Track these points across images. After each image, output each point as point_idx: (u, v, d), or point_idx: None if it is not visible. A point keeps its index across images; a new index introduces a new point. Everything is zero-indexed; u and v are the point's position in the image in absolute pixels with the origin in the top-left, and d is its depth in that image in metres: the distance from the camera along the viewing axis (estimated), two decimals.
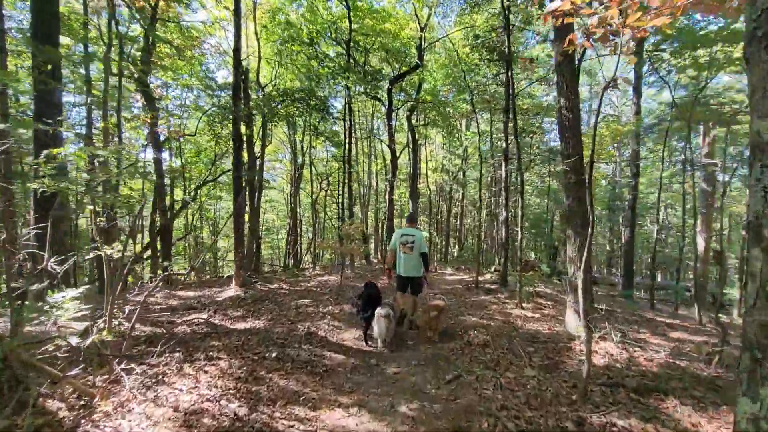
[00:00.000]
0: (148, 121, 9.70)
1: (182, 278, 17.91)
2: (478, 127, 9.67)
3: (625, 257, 12.05)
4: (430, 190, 21.75)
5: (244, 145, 9.43)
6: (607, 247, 22.29)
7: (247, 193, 10.96)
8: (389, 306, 4.86)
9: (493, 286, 10.13)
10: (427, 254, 5.46)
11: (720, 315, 13.66)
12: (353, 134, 19.50)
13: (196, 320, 5.89)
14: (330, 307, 6.70)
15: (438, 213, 23.81)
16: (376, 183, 23.97)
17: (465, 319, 6.26)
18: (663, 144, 10.23)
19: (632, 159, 11.80)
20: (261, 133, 14.72)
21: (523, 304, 6.91)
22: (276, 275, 11.77)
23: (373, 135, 18.17)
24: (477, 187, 22.06)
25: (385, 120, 13.92)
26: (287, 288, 9.01)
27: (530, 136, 16.25)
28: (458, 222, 23.71)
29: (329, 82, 10.91)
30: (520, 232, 6.92)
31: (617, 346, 4.62)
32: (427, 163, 22.53)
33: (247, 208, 11.82)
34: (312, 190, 21.18)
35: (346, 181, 12.77)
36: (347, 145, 12.56)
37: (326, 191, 21.69)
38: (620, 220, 15.39)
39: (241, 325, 5.63)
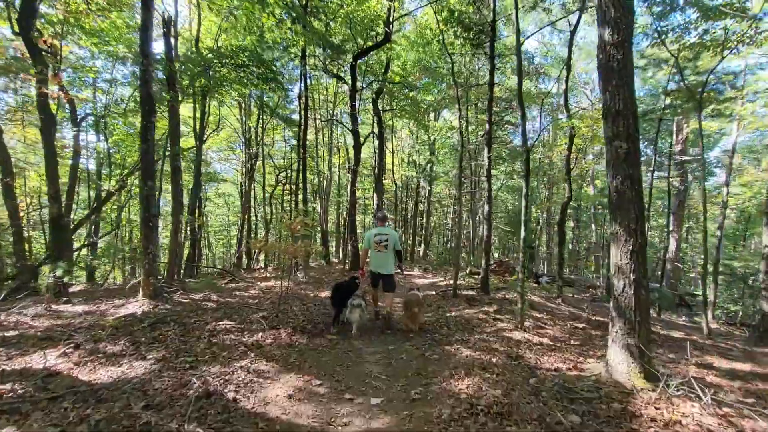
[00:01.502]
0: (32, 77, 7.05)
1: (101, 284, 14.90)
2: (458, 103, 7.77)
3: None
4: (396, 185, 19.85)
5: (163, 114, 7.01)
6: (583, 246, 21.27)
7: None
8: (361, 297, 4.97)
9: (472, 293, 8.33)
10: (401, 251, 5.43)
11: (697, 318, 12.60)
12: (311, 117, 17.21)
13: (33, 365, 3.57)
14: (260, 335, 4.53)
15: (404, 210, 21.98)
16: (339, 177, 21.81)
17: (453, 349, 4.30)
18: (656, 133, 8.85)
19: None
20: (202, 109, 12.15)
21: (525, 323, 5.07)
22: (213, 279, 9.36)
23: (334, 119, 15.89)
24: (447, 182, 20.41)
25: (348, 101, 11.80)
26: (216, 300, 6.71)
27: (503, 127, 14.71)
28: (424, 220, 21.99)
29: (277, 41, 8.62)
30: (523, 229, 5.05)
31: (708, 408, 2.82)
32: (393, 156, 20.61)
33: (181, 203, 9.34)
34: (265, 183, 18.71)
35: (302, 168, 10.55)
36: (303, 127, 10.37)
37: (284, 184, 19.25)
38: (604, 219, 14.11)
39: (104, 374, 3.37)
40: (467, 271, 11.09)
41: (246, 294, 7.44)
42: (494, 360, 3.86)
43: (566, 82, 8.29)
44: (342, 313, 5.05)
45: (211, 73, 8.89)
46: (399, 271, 5.50)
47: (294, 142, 18.35)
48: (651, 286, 15.49)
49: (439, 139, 18.84)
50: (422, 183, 20.55)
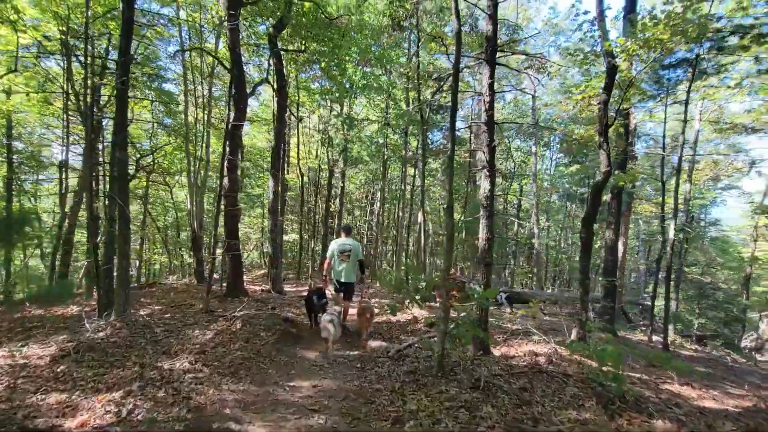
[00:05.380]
0: None
1: None
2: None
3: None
4: (302, 179, 14.71)
5: None
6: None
7: None
8: (331, 313, 4.76)
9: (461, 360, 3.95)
10: (363, 261, 5.44)
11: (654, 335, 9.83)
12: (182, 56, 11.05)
13: None
14: None
15: (312, 210, 16.91)
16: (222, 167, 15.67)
17: None
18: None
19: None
20: None
21: None
22: None
23: (201, 49, 9.79)
24: (368, 173, 15.84)
25: (225, 17, 6.57)
26: None
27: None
28: (335, 223, 17.19)
29: None
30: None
31: None
32: (299, 147, 15.36)
33: None
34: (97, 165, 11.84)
35: (119, 103, 5.02)
36: (126, 28, 4.92)
37: (148, 173, 12.59)
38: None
39: None
40: (405, 303, 6.72)
41: None
42: None
43: None
44: (315, 314, 5.33)
45: None
46: (362, 282, 5.53)
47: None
48: (594, 296, 13.00)
49: (357, 125, 14.43)
50: (334, 181, 15.80)
